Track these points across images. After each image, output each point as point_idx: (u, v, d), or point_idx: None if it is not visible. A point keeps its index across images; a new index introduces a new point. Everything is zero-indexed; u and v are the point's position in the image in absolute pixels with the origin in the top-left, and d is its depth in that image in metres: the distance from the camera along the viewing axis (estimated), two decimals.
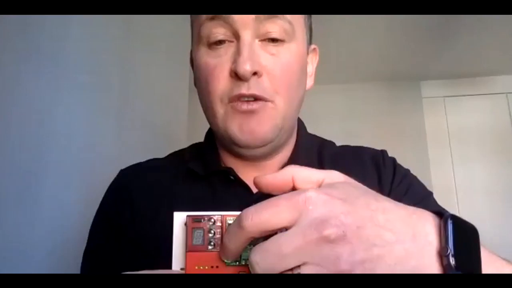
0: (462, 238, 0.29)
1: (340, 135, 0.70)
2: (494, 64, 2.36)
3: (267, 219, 0.27)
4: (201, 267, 0.29)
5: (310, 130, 0.63)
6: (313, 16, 0.58)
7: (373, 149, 0.62)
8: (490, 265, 0.31)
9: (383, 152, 0.61)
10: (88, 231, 0.58)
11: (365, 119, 2.52)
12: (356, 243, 0.26)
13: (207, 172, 0.55)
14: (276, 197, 0.28)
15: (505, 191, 2.36)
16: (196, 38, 0.52)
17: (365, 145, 0.63)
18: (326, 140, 0.64)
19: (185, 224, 0.31)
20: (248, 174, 0.54)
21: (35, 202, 0.86)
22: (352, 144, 0.64)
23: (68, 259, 0.85)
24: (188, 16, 0.56)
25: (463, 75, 2.51)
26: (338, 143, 0.64)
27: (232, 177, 0.54)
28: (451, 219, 0.29)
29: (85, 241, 0.58)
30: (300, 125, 0.61)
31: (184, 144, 0.67)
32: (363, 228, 0.27)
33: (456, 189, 2.38)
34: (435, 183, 2.25)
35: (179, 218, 0.31)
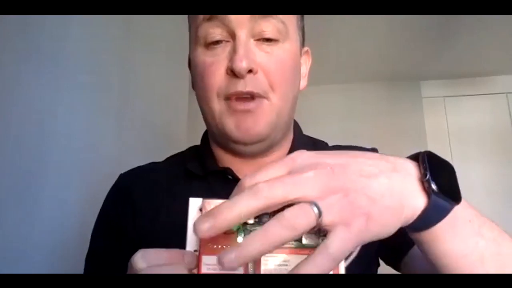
0: (438, 167, 0.32)
1: (339, 135, 0.70)
2: (494, 64, 2.36)
3: (264, 178, 0.29)
4: (215, 246, 0.31)
5: (310, 130, 0.64)
6: (313, 16, 0.58)
7: (364, 148, 0.62)
8: (469, 209, 0.34)
9: (374, 150, 0.61)
10: (88, 231, 0.58)
11: (365, 119, 2.52)
12: (345, 176, 0.29)
13: (205, 172, 0.56)
14: (268, 163, 0.31)
15: (505, 191, 2.36)
16: (194, 39, 0.53)
17: (365, 145, 0.63)
18: (318, 140, 0.65)
19: (200, 209, 0.32)
20: (246, 173, 0.54)
21: (35, 202, 0.86)
22: (352, 144, 0.64)
23: (68, 259, 0.85)
24: (187, 16, 0.57)
25: (463, 75, 2.51)
26: (338, 143, 0.64)
27: (230, 177, 0.54)
28: (426, 154, 0.33)
29: (85, 241, 0.58)
30: (296, 125, 0.62)
31: (184, 144, 0.67)
32: (348, 166, 0.30)
33: None
34: None
35: (195, 203, 0.33)
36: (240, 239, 0.31)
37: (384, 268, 0.57)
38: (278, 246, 0.27)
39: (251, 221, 0.31)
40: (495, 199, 2.34)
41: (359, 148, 0.62)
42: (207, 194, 0.54)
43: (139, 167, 0.62)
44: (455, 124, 2.53)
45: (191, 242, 0.32)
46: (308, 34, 0.61)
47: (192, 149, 0.64)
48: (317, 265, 0.27)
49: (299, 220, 0.27)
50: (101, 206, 0.59)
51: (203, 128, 0.60)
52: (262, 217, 0.31)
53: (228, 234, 0.30)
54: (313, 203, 0.28)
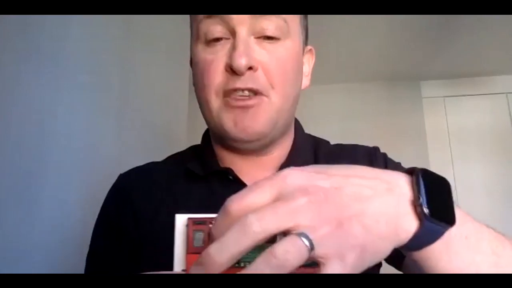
0: (433, 188, 0.30)
1: (339, 135, 0.70)
2: (494, 64, 2.36)
3: (251, 200, 0.27)
4: None
5: (310, 130, 0.64)
6: (314, 16, 0.58)
7: (366, 146, 0.62)
8: (466, 224, 0.33)
9: (375, 149, 0.61)
10: (88, 231, 0.58)
11: (365, 119, 2.52)
12: (339, 201, 0.28)
13: (206, 173, 0.55)
14: (257, 181, 0.29)
15: (505, 191, 2.36)
16: (194, 36, 0.53)
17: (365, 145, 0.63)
18: (320, 139, 0.64)
19: (186, 226, 0.31)
20: (247, 172, 0.54)
21: (35, 202, 0.86)
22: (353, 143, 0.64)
23: (68, 259, 0.85)
24: (188, 16, 0.57)
25: (463, 75, 2.51)
26: (338, 143, 0.64)
27: (231, 177, 0.54)
28: (421, 173, 0.31)
29: (85, 241, 0.58)
30: (297, 124, 0.62)
31: (184, 144, 0.67)
32: (341, 189, 0.28)
33: (456, 189, 2.38)
34: None
35: (181, 220, 0.32)
36: None
37: (384, 268, 0.57)
38: None
39: None
40: (495, 199, 2.35)
41: (360, 147, 0.62)
42: (207, 194, 0.54)
43: (138, 167, 0.62)
44: (455, 124, 2.53)
45: (179, 261, 0.31)
46: (309, 34, 0.61)
47: (192, 149, 0.64)
48: None
49: (289, 257, 0.25)
50: (101, 206, 0.59)
51: (203, 128, 0.60)
52: None
53: None
54: (305, 236, 0.26)
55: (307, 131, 0.64)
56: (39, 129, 0.89)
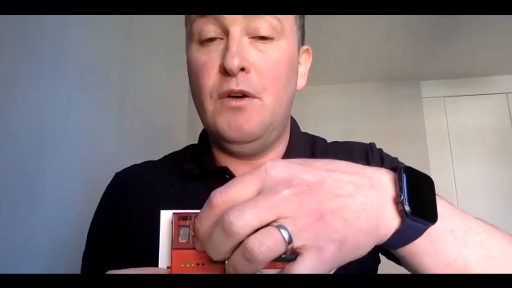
0: (416, 186, 0.31)
1: (339, 135, 0.70)
2: (494, 64, 2.36)
3: (235, 193, 0.28)
4: (187, 265, 0.29)
5: (310, 129, 0.64)
6: (314, 16, 0.58)
7: (362, 142, 0.62)
8: (452, 218, 0.33)
9: (371, 145, 0.61)
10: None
11: (365, 119, 2.52)
12: (321, 194, 0.28)
13: (203, 172, 0.55)
14: (241, 174, 0.29)
15: (505, 191, 2.36)
16: (188, 36, 0.53)
17: None
18: (317, 136, 0.64)
19: (171, 222, 0.31)
20: (243, 172, 0.54)
21: (35, 202, 0.86)
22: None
23: (68, 259, 0.85)
24: None
25: (463, 75, 2.51)
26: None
27: (227, 176, 0.54)
28: (404, 170, 0.31)
29: (85, 241, 0.58)
30: (293, 123, 0.61)
31: (184, 144, 0.67)
32: (324, 182, 0.29)
33: (456, 189, 2.38)
34: (435, 183, 2.24)
35: (166, 216, 0.31)
36: None
37: (384, 269, 0.57)
38: (248, 272, 0.26)
39: None
40: (495, 199, 2.34)
41: (356, 144, 0.62)
42: (203, 193, 0.54)
43: (135, 165, 0.62)
44: (455, 124, 2.53)
45: (163, 257, 0.31)
46: (308, 34, 0.61)
47: (189, 148, 0.64)
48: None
49: (264, 249, 0.25)
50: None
51: (202, 128, 0.60)
52: None
53: (201, 252, 0.29)
54: (283, 228, 0.26)
55: (307, 131, 0.64)
56: (39, 129, 0.89)
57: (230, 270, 0.27)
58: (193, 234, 0.30)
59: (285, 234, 0.25)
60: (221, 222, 0.26)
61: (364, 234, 0.28)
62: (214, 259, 0.28)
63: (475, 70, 2.43)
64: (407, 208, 0.29)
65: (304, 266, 0.26)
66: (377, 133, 2.41)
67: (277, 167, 0.29)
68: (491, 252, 0.34)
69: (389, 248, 0.32)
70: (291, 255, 0.26)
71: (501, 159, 2.41)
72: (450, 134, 2.52)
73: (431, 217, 0.31)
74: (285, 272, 0.26)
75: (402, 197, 0.30)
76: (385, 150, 0.62)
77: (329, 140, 0.65)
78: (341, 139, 0.64)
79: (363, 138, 0.67)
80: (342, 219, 0.27)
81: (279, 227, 0.26)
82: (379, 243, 0.30)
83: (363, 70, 2.43)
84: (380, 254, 0.57)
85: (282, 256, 0.26)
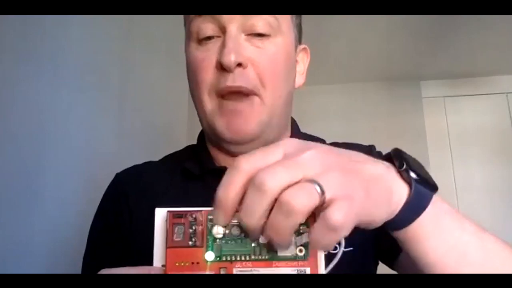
0: (411, 160, 0.34)
1: (339, 135, 0.70)
2: (494, 64, 2.36)
3: (261, 158, 0.29)
4: (182, 264, 0.29)
5: (310, 129, 0.64)
6: (314, 16, 0.58)
7: (361, 144, 0.63)
8: (445, 203, 0.35)
9: (371, 147, 0.62)
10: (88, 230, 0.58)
11: (365, 119, 2.52)
12: (340, 158, 0.30)
13: (202, 171, 0.55)
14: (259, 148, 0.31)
15: (505, 191, 2.35)
16: (187, 35, 0.53)
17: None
18: (315, 137, 0.64)
19: (166, 220, 0.30)
20: None
21: (35, 202, 0.86)
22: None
23: (68, 259, 0.85)
24: None
25: (463, 75, 2.50)
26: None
27: None
28: (395, 150, 0.35)
29: (85, 241, 0.58)
30: (293, 124, 0.61)
31: (184, 144, 0.67)
32: (340, 152, 0.31)
33: (456, 189, 2.38)
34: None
35: (160, 214, 0.31)
36: (208, 255, 0.29)
37: (384, 268, 0.57)
38: (289, 234, 0.27)
39: (219, 236, 0.29)
40: (495, 199, 2.34)
41: (356, 146, 0.62)
42: (203, 192, 0.54)
43: (135, 166, 0.62)
44: (455, 124, 2.52)
45: (158, 256, 0.30)
46: (308, 33, 0.61)
47: (189, 149, 0.64)
48: (316, 236, 0.26)
49: (301, 199, 0.26)
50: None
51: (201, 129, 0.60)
52: (232, 229, 0.30)
53: (196, 250, 0.29)
54: (314, 181, 0.27)
55: (307, 131, 0.64)
56: (39, 129, 0.89)
57: (270, 234, 0.27)
58: (187, 232, 0.29)
59: (316, 186, 0.27)
60: (253, 183, 0.27)
61: (382, 194, 0.30)
62: (249, 225, 0.27)
63: (475, 70, 2.43)
64: (412, 174, 0.32)
65: (337, 211, 0.26)
66: (377, 133, 2.41)
67: (292, 140, 0.31)
68: (485, 244, 0.34)
69: (398, 226, 0.33)
70: (294, 245, 0.28)
71: (501, 159, 2.41)
72: (450, 134, 2.52)
73: (432, 184, 0.33)
74: (320, 219, 0.27)
75: (405, 166, 0.32)
76: (385, 150, 0.61)
77: (328, 141, 0.65)
78: (341, 139, 0.64)
79: (363, 138, 0.67)
80: (362, 177, 0.30)
81: (310, 181, 0.27)
82: (391, 216, 0.31)
83: (363, 70, 2.43)
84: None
85: (304, 242, 0.29)
